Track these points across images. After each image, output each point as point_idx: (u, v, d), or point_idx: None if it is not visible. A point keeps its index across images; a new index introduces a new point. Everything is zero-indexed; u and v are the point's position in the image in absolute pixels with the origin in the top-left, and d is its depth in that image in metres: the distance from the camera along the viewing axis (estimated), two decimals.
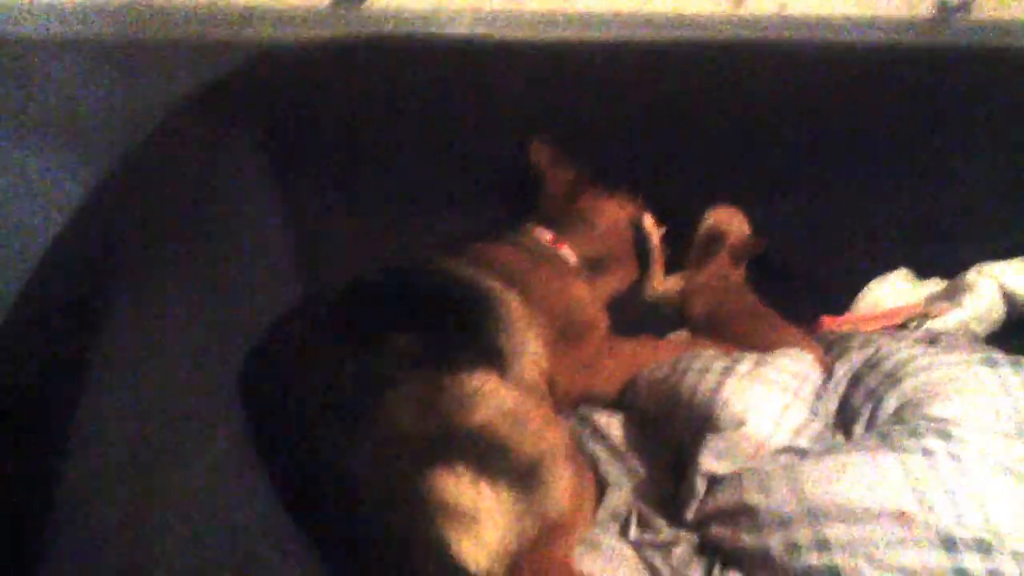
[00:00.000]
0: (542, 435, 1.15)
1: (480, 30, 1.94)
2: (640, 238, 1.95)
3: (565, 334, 1.55)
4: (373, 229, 1.89)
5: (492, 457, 1.08)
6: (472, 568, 1.03)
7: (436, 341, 1.28)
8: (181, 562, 0.84)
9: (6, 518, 0.82)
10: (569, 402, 1.53)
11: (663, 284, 1.91)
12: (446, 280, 1.53)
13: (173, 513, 0.89)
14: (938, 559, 1.09)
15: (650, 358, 1.53)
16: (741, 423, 1.27)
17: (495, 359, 1.37)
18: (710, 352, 1.45)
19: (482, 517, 1.04)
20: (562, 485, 1.12)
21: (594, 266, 1.84)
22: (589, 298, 1.66)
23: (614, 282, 1.86)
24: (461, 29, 1.94)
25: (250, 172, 1.67)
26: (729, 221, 1.91)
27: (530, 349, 1.47)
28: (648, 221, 1.95)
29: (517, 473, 1.08)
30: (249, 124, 1.72)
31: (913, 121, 2.35)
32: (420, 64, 1.85)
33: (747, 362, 1.38)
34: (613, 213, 1.92)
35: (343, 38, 1.82)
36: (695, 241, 1.92)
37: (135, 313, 1.14)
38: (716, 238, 1.90)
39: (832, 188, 2.32)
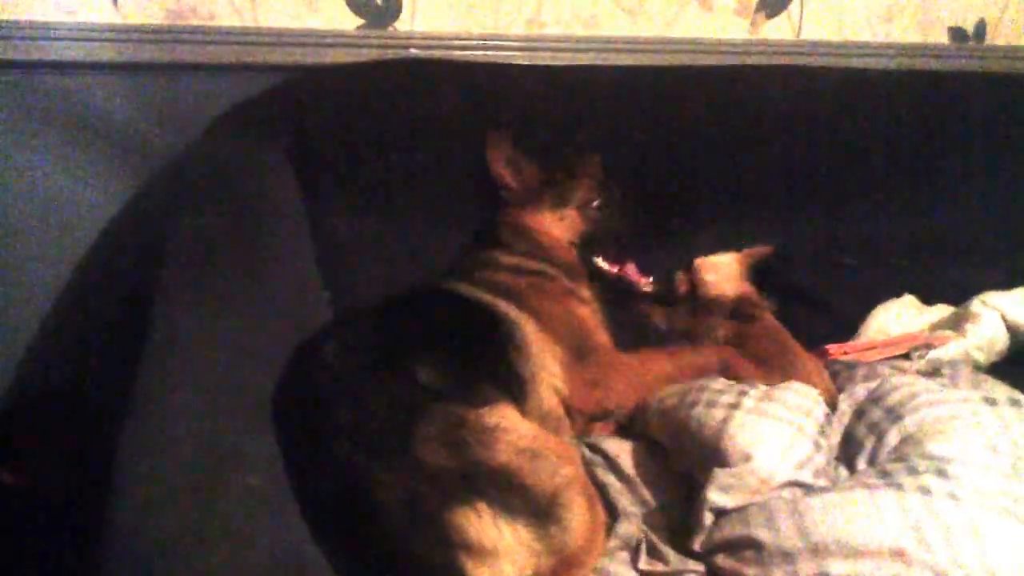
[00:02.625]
0: (558, 470, 1.20)
1: (503, 55, 1.98)
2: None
3: (575, 354, 1.59)
4: (399, 245, 1.95)
5: (512, 496, 1.13)
6: None
7: (458, 372, 1.34)
8: None
9: (69, 527, 0.86)
10: (584, 421, 1.58)
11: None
12: (467, 305, 1.58)
13: (205, 543, 0.93)
14: None
15: (658, 369, 1.59)
16: (748, 458, 1.32)
17: (514, 389, 1.43)
18: (717, 385, 1.49)
19: (501, 554, 1.09)
20: (577, 520, 1.17)
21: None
22: (591, 317, 1.70)
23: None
24: (484, 54, 1.97)
25: (281, 190, 1.72)
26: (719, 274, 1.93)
27: (547, 374, 1.53)
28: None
29: (535, 511, 1.14)
30: (280, 143, 1.78)
31: (925, 145, 2.38)
32: (443, 87, 1.90)
33: (753, 397, 1.42)
34: (551, 227, 1.88)
35: (369, 61, 1.87)
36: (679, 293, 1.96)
37: (174, 332, 1.19)
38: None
39: (844, 210, 2.36)
